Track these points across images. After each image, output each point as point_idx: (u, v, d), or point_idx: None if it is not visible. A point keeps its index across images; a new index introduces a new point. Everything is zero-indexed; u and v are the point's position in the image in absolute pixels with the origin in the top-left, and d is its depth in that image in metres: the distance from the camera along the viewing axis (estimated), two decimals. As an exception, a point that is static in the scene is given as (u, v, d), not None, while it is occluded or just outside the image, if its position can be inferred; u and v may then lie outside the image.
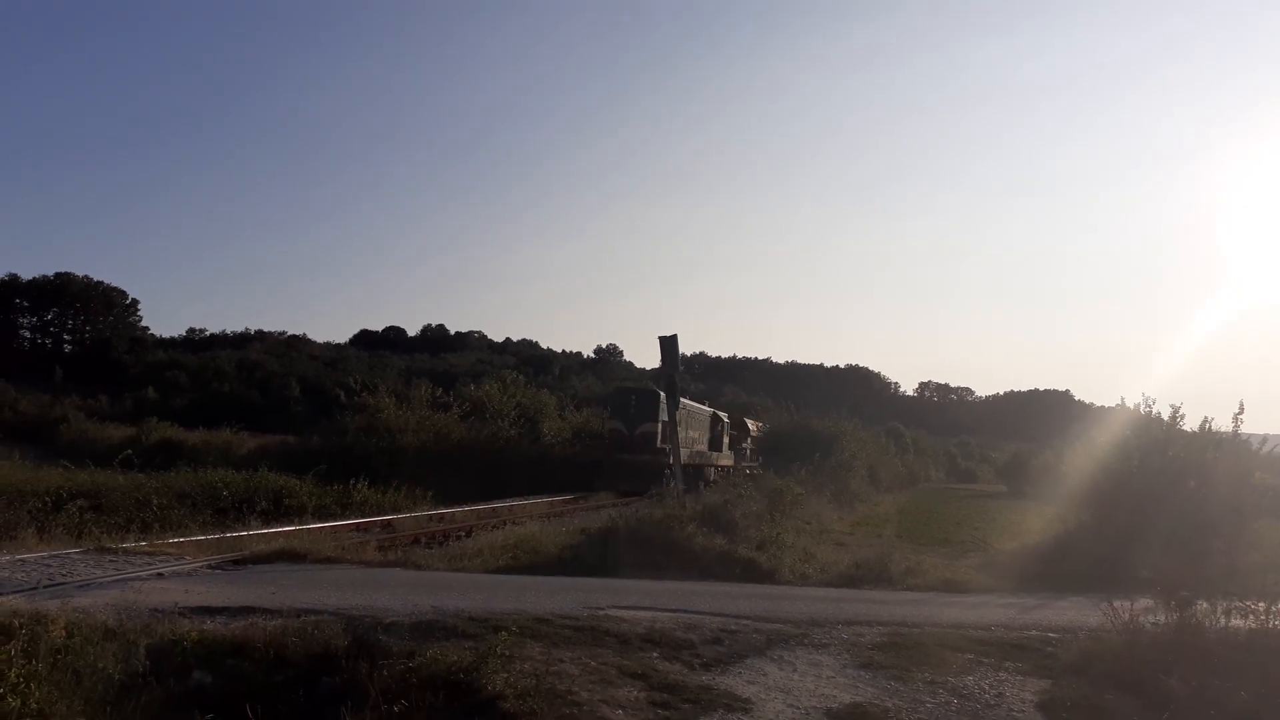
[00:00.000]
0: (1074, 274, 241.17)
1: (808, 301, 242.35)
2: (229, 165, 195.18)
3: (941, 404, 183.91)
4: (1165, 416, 16.61)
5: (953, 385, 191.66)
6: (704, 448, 39.43)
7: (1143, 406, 16.97)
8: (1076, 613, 10.90)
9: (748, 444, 48.67)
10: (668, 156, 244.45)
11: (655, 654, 7.74)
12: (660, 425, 32.07)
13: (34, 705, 5.63)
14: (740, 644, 8.35)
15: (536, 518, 21.37)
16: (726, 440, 43.30)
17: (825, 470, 30.61)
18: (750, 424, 51.51)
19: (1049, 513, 22.68)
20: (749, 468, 45.23)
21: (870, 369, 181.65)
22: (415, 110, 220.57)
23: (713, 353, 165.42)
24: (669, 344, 18.79)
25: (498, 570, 12.61)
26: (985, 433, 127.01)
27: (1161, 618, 8.66)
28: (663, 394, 29.24)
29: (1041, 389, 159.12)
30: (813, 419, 41.95)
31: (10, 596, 7.25)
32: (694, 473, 34.47)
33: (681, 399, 26.28)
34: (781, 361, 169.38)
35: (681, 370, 21.44)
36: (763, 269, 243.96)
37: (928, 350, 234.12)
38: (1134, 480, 16.13)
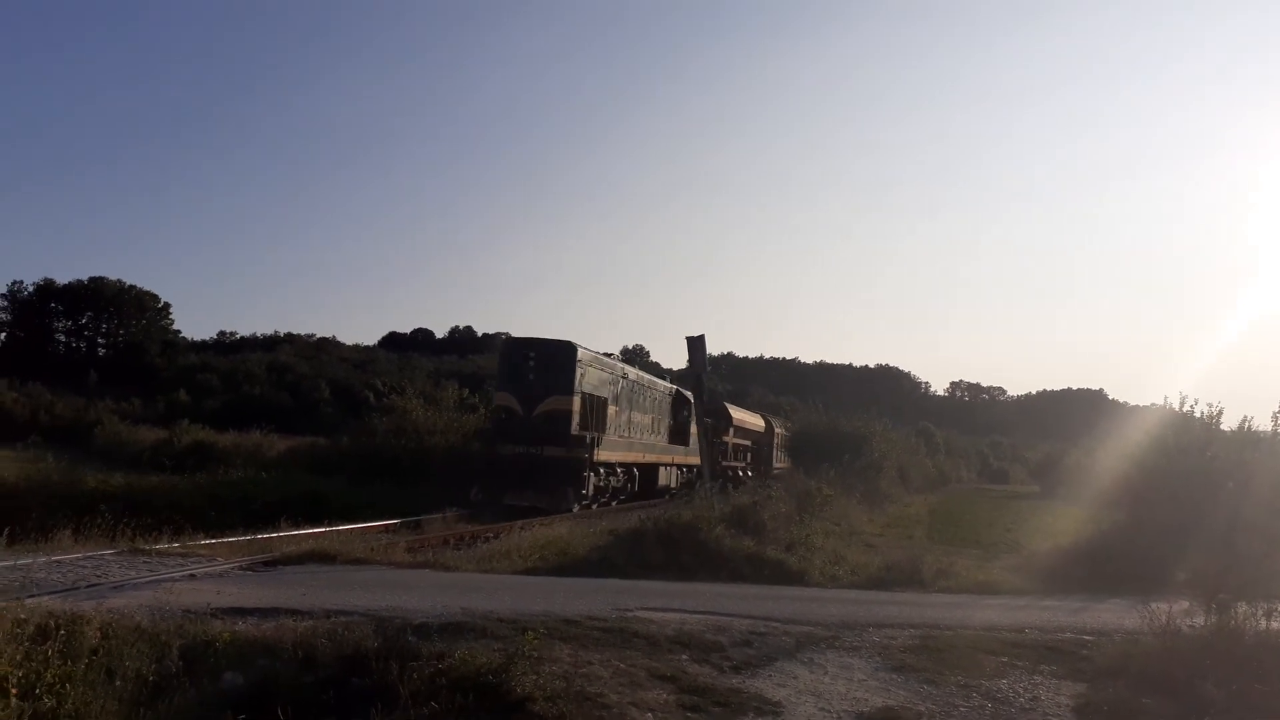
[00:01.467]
0: (1108, 271, 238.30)
1: (837, 301, 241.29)
2: (260, 170, 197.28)
3: (973, 404, 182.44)
4: (1203, 415, 16.34)
5: (984, 385, 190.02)
6: (657, 437, 30.67)
7: (1181, 405, 16.73)
8: (1112, 615, 10.76)
9: (729, 439, 40.17)
10: (695, 156, 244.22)
11: (684, 656, 7.70)
12: (580, 400, 22.43)
13: (70, 705, 5.68)
14: (770, 646, 8.29)
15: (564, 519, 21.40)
16: (695, 430, 31.82)
17: (855, 471, 30.34)
18: (748, 417, 44.68)
19: (1082, 514, 22.41)
20: (735, 469, 39.59)
21: (900, 369, 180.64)
22: (443, 112, 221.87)
23: (740, 353, 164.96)
24: (696, 344, 18.74)
25: (526, 572, 12.61)
26: (1017, 432, 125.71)
27: (1200, 620, 8.52)
28: (625, 368, 27.45)
29: (1074, 388, 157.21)
30: (842, 419, 40.32)
31: (47, 597, 7.34)
32: (641, 477, 28.04)
33: (609, 357, 25.16)
34: (810, 361, 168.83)
35: (709, 370, 21.53)
36: (791, 268, 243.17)
37: (959, 350, 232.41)
38: (1171, 480, 15.87)
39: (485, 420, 27.68)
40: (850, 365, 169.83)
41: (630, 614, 9.09)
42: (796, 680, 7.31)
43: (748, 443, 45.06)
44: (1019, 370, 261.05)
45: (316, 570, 11.18)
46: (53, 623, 6.51)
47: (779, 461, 47.02)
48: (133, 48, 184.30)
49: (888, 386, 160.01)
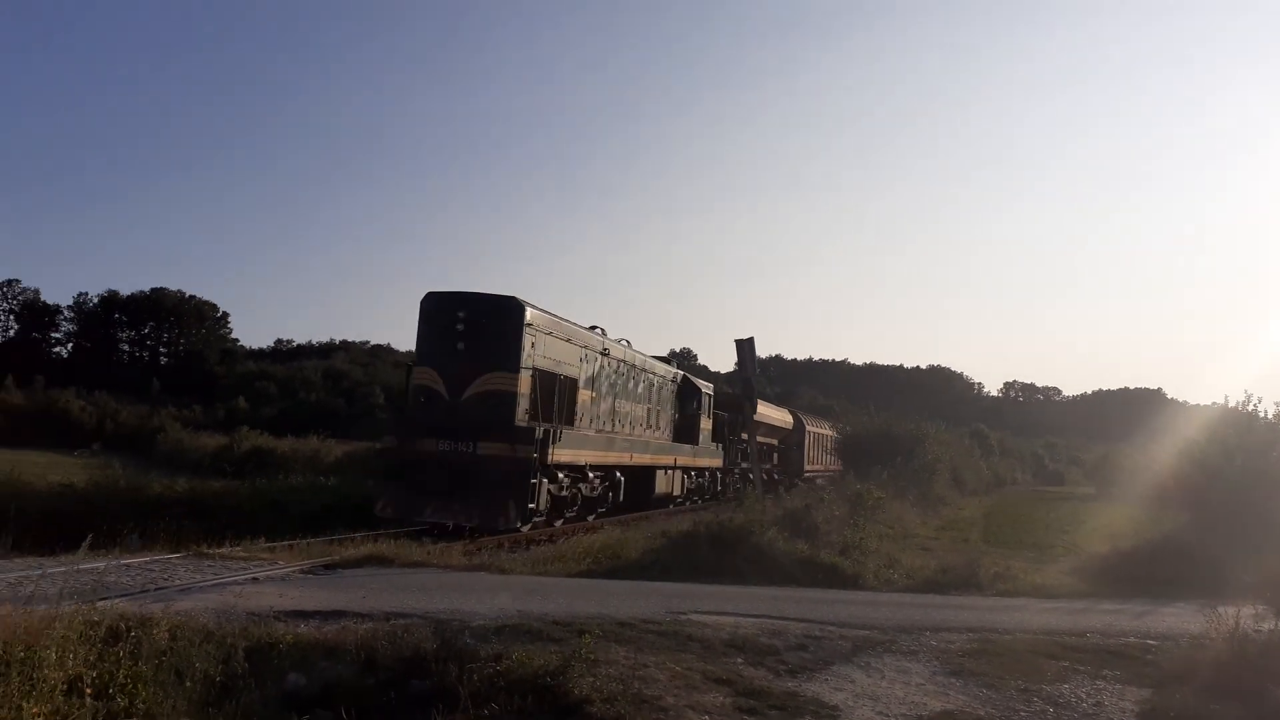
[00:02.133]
0: (1167, 266, 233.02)
1: (887, 301, 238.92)
2: (314, 181, 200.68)
3: (1027, 404, 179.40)
4: (1268, 415, 15.94)
5: (1039, 385, 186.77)
6: (654, 433, 25.09)
7: (1245, 404, 16.32)
8: (1176, 619, 10.54)
9: (745, 435, 33.98)
10: (742, 158, 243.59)
11: (740, 660, 7.70)
12: (530, 378, 17.04)
13: (140, 705, 5.84)
14: (826, 650, 8.26)
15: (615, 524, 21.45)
16: (709, 426, 28.93)
17: (907, 474, 29.99)
18: (772, 412, 39.13)
19: (1142, 515, 21.97)
20: (765, 472, 34.77)
21: (952, 369, 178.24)
22: (489, 117, 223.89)
23: (789, 355, 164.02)
24: (745, 346, 18.79)
25: (580, 575, 12.68)
26: (1073, 433, 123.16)
27: (1269, 624, 8.31)
28: (608, 342, 21.30)
29: (1132, 387, 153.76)
30: (893, 421, 39.64)
31: (117, 600, 7.56)
32: (630, 483, 22.45)
33: (597, 334, 19.88)
34: (859, 363, 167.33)
35: (758, 373, 21.38)
36: (840, 269, 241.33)
37: (1012, 349, 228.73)
38: (1234, 481, 15.50)
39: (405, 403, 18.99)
40: (901, 366, 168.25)
41: (684, 617, 9.11)
42: (853, 684, 7.27)
43: (772, 441, 40.04)
44: (1075, 369, 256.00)
45: (375, 573, 11.36)
46: (123, 625, 6.70)
47: (813, 463, 43.75)
48: (188, 65, 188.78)
49: (940, 387, 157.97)
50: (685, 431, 27.49)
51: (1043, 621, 10.34)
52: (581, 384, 19.92)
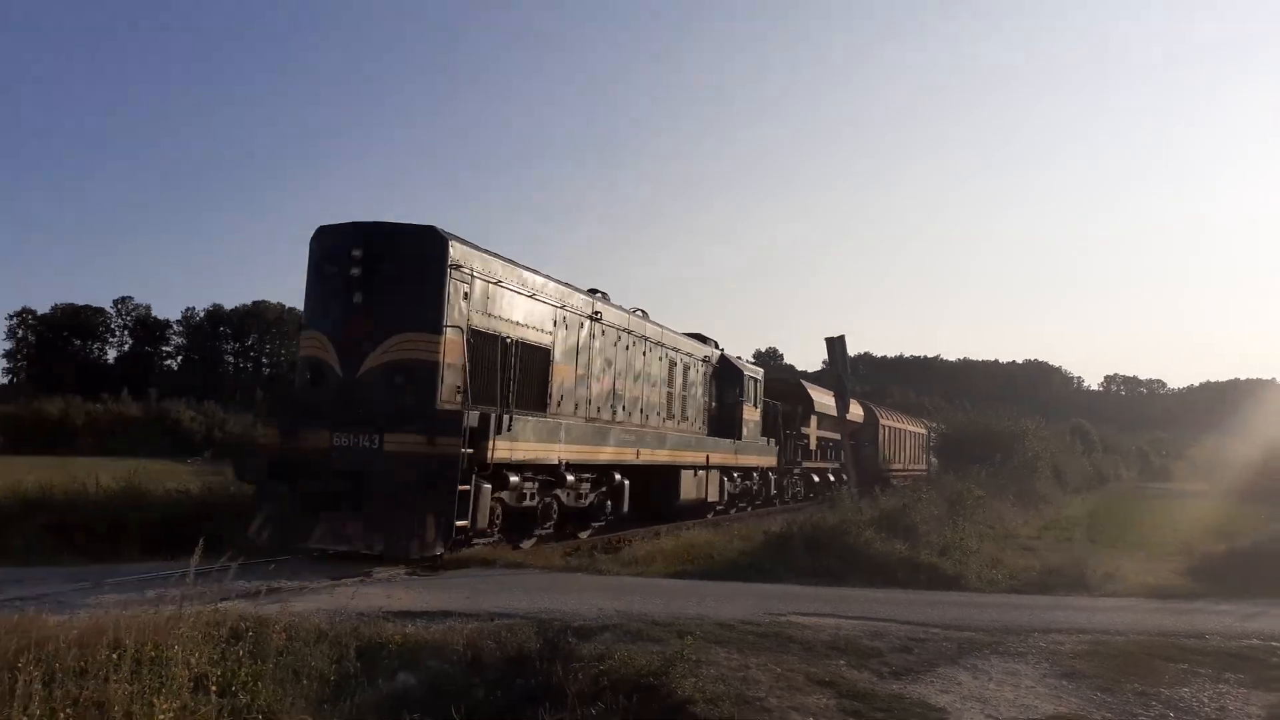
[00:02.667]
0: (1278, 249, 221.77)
1: (980, 295, 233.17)
2: (405, 187, 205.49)
3: (1130, 398, 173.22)
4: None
5: (1142, 377, 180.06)
6: (678, 424, 20.65)
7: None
8: (1304, 621, 10.05)
9: (810, 430, 30.93)
10: (831, 153, 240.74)
11: (842, 661, 7.63)
12: (463, 341, 12.73)
13: (261, 702, 6.07)
14: (930, 652, 8.11)
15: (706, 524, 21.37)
16: (757, 417, 24.60)
17: (1007, 472, 29.20)
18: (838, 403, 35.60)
19: (1260, 512, 20.99)
20: (820, 473, 32.22)
21: (1050, 363, 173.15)
22: (581, 109, 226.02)
23: (878, 352, 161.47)
24: (837, 344, 18.49)
25: (674, 575, 12.72)
26: (1180, 427, 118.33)
27: None
28: (602, 305, 16.96)
29: (1243, 378, 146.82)
30: (991, 418, 38.50)
31: (237, 601, 7.87)
32: (641, 487, 17.87)
33: (567, 287, 15.60)
34: (953, 359, 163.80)
35: (850, 372, 20.99)
36: (931, 263, 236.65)
37: (1112, 341, 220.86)
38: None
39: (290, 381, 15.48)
40: (996, 361, 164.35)
41: (783, 619, 9.06)
42: (960, 686, 7.13)
43: (836, 436, 34.46)
44: (1180, 361, 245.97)
45: (477, 574, 11.58)
46: (243, 625, 6.98)
47: (890, 461, 40.14)
48: (284, 71, 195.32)
49: (1037, 382, 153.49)
50: (724, 423, 22.96)
51: (1157, 622, 9.98)
52: (558, 356, 15.29)
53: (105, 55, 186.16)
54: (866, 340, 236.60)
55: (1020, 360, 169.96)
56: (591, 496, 16.25)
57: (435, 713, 6.51)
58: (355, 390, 12.23)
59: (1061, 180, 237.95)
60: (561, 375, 15.47)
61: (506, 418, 12.72)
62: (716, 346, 23.75)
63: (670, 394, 20.44)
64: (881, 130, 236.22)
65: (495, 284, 13.65)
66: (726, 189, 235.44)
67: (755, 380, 24.74)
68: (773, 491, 27.09)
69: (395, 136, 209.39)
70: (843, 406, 19.90)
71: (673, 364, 20.63)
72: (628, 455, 17.15)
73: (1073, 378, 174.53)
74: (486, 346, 13.26)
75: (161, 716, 5.25)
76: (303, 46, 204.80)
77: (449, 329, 12.40)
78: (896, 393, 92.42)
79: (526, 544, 14.36)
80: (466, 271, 12.92)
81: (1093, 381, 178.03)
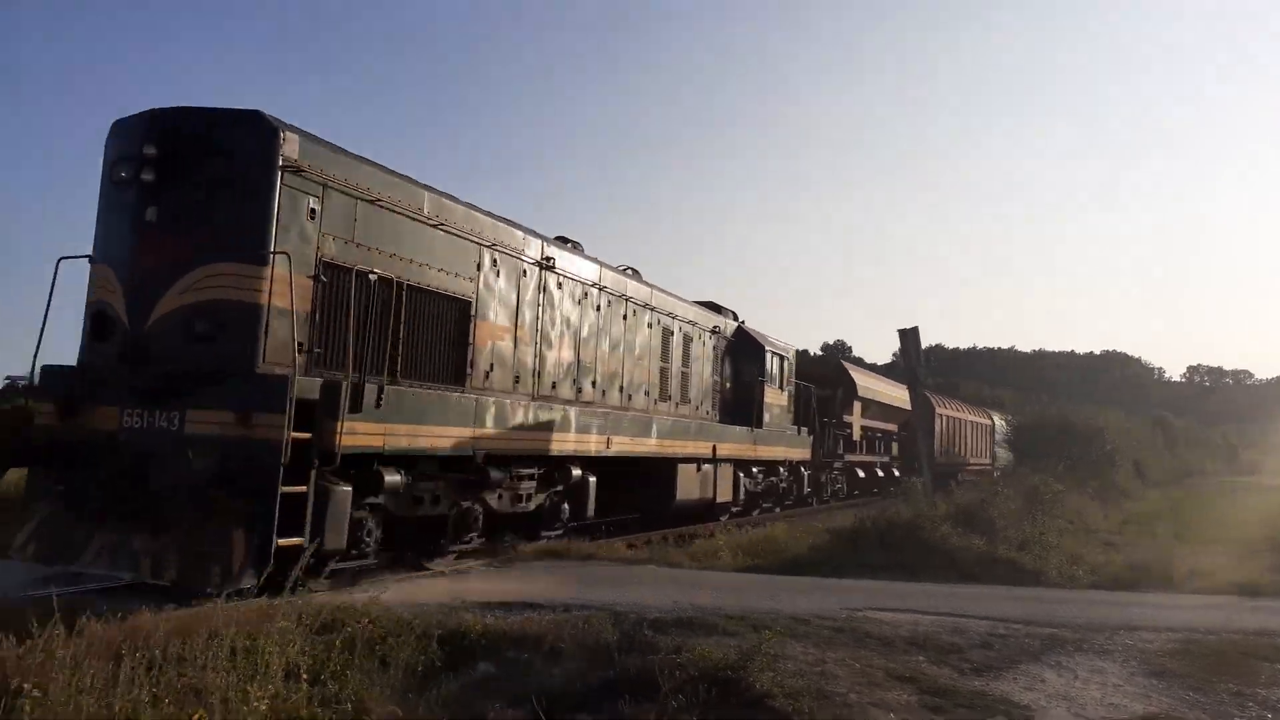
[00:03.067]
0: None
1: (1055, 284, 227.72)
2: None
3: (1214, 389, 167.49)
4: None
5: (1227, 368, 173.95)
6: (675, 406, 17.30)
7: None
8: None
9: (853, 418, 27.27)
10: (903, 142, 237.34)
11: (921, 657, 7.54)
12: (303, 274, 9.12)
13: (350, 691, 6.23)
14: (1012, 649, 7.98)
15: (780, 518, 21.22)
16: (784, 401, 21.56)
17: (1085, 465, 28.52)
18: (889, 389, 31.61)
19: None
20: (867, 467, 29.20)
21: (1128, 354, 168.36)
22: (671, 109, 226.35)
23: (950, 344, 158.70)
24: (910, 336, 18.18)
25: (745, 569, 12.71)
26: (1269, 419, 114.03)
27: None
28: (570, 256, 13.99)
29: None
30: (1067, 410, 37.43)
31: (325, 592, 8.09)
32: (619, 481, 14.96)
33: (512, 226, 12.65)
34: (1027, 350, 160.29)
35: (923, 364, 20.61)
36: (1003, 251, 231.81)
37: (1194, 331, 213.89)
38: None
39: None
40: (1072, 353, 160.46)
41: (860, 614, 8.99)
42: (1045, 684, 7.00)
43: (889, 426, 31.76)
44: (1268, 351, 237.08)
45: (550, 566, 11.70)
46: (332, 616, 7.16)
47: (951, 455, 36.92)
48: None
49: (1115, 373, 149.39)
50: (740, 408, 19.68)
51: (1251, 621, 9.67)
52: (487, 311, 11.94)
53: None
54: (937, 331, 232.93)
55: (1098, 351, 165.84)
56: (540, 498, 13.05)
57: (516, 702, 6.62)
58: (146, 346, 8.84)
59: (1135, 172, 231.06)
60: (490, 337, 12.02)
61: (372, 389, 9.19)
62: (735, 318, 20.79)
63: (665, 370, 17.08)
64: (959, 120, 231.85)
65: (369, 202, 9.99)
66: (794, 179, 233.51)
67: (782, 358, 21.51)
68: (806, 489, 24.09)
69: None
70: (916, 397, 19.38)
71: (668, 333, 17.20)
72: (592, 444, 13.90)
73: (1153, 368, 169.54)
74: (352, 288, 9.49)
75: (256, 703, 5.42)
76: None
77: (278, 257, 8.80)
78: (971, 385, 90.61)
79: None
80: (314, 179, 9.30)
81: (1174, 372, 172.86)
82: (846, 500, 27.54)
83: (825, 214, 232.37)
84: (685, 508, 16.89)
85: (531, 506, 12.84)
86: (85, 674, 5.24)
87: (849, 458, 27.01)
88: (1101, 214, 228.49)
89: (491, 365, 12.06)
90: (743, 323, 20.71)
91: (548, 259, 13.43)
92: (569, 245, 14.48)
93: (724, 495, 18.34)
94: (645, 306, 16.37)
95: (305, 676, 6.08)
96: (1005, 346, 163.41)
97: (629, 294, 15.79)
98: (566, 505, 13.75)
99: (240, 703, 5.46)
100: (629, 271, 16.42)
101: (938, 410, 36.13)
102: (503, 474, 11.65)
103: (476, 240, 11.87)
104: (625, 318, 15.57)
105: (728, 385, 19.66)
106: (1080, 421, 34.56)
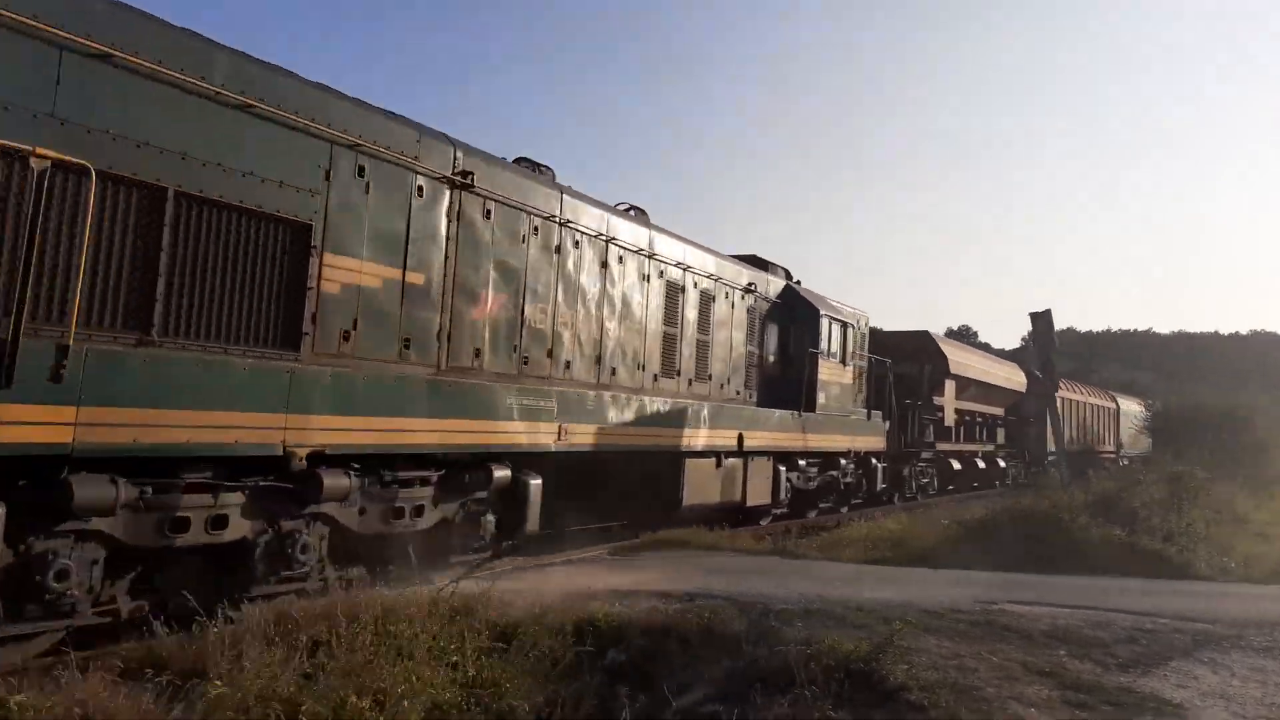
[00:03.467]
0: None
1: (1197, 261, 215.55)
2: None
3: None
4: None
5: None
6: (705, 387, 14.41)
7: None
8: None
9: (945, 400, 23.14)
10: (1027, 117, 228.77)
11: (1062, 651, 7.27)
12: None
13: (484, 675, 6.41)
14: (1160, 644, 7.61)
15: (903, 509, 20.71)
16: (848, 379, 17.88)
17: (1234, 453, 26.90)
18: (991, 366, 28.01)
19: None
20: (970, 457, 25.90)
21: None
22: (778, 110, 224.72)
23: (1082, 327, 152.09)
24: (1042, 320, 17.44)
25: (871, 561, 12.51)
26: None
27: None
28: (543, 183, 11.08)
29: None
30: (1213, 395, 35.35)
31: (460, 580, 8.34)
32: (599, 477, 12.31)
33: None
34: (1166, 332, 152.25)
35: (1056, 349, 19.72)
36: (1139, 228, 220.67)
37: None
38: None
39: None
40: (1217, 333, 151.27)
41: (995, 607, 8.73)
42: (1198, 682, 6.65)
43: (994, 411, 27.77)
44: None
45: (673, 556, 11.76)
46: (467, 602, 7.39)
47: (1075, 443, 32.92)
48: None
49: (1267, 355, 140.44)
50: (785, 386, 16.20)
51: None
52: (350, 242, 8.57)
53: None
54: (1068, 314, 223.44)
55: (1245, 331, 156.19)
56: (450, 509, 9.73)
57: (647, 689, 6.70)
58: None
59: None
60: (349, 280, 8.52)
61: (44, 350, 5.94)
62: (788, 276, 17.18)
63: (671, 336, 13.73)
64: (1091, 102, 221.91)
65: (96, 57, 6.48)
66: (920, 161, 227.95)
67: (845, 325, 17.69)
68: (881, 484, 20.28)
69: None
70: (1048, 381, 18.51)
71: (675, 289, 13.81)
72: (526, 436, 10.36)
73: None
74: (55, 191, 6.21)
75: (414, 683, 5.64)
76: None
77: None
78: (1108, 369, 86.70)
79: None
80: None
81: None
82: (940, 497, 24.04)
83: (952, 200, 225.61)
84: (700, 512, 13.83)
85: (426, 523, 9.33)
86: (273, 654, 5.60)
87: (941, 447, 23.25)
88: (1244, 187, 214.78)
89: (355, 322, 8.60)
90: (796, 281, 17.27)
91: (463, 174, 9.78)
92: (512, 163, 11.05)
93: (758, 496, 15.24)
94: (640, 252, 12.98)
95: (453, 661, 6.30)
96: (1143, 328, 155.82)
97: (616, 235, 12.40)
98: (492, 517, 10.23)
99: (404, 681, 5.67)
100: (631, 210, 13.42)
101: (1066, 394, 32.45)
102: (362, 480, 8.44)
103: (324, 135, 8.30)
104: (605, 265, 12.21)
105: (770, 359, 16.23)
106: (1225, 406, 32.60)
